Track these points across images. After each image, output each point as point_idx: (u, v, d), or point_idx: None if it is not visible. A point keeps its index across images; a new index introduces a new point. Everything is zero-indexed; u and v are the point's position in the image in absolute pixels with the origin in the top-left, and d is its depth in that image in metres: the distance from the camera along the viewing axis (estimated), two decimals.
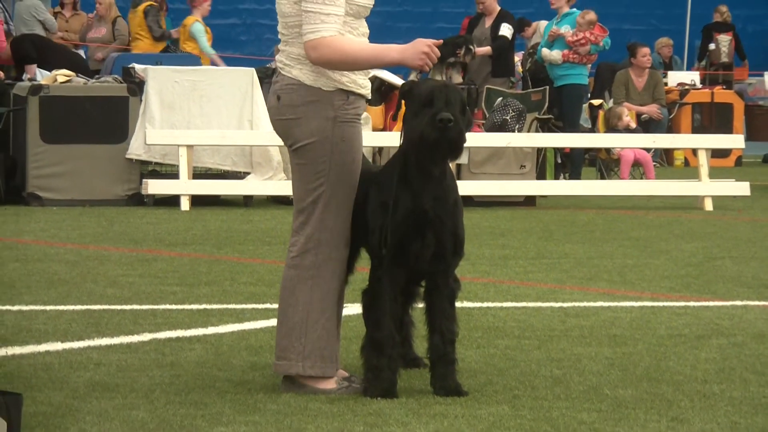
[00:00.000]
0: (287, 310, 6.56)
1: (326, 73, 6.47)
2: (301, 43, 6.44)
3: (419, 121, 6.36)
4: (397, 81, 17.09)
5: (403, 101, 6.60)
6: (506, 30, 18.75)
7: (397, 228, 6.43)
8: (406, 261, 6.49)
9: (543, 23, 21.21)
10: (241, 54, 28.90)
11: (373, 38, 6.61)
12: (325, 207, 6.50)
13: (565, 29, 18.69)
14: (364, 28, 6.57)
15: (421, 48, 6.43)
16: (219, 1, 32.02)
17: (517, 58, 21.87)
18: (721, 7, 28.38)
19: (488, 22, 18.95)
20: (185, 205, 15.22)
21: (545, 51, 18.73)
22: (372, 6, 6.57)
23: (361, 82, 6.57)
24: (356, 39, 6.47)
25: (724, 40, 28.19)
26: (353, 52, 6.41)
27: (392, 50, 6.51)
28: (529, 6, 28.24)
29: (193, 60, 22.44)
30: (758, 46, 32.30)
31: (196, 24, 22.23)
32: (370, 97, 6.84)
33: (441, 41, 6.61)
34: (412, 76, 16.25)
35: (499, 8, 19.00)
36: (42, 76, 17.33)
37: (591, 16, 18.91)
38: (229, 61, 24.54)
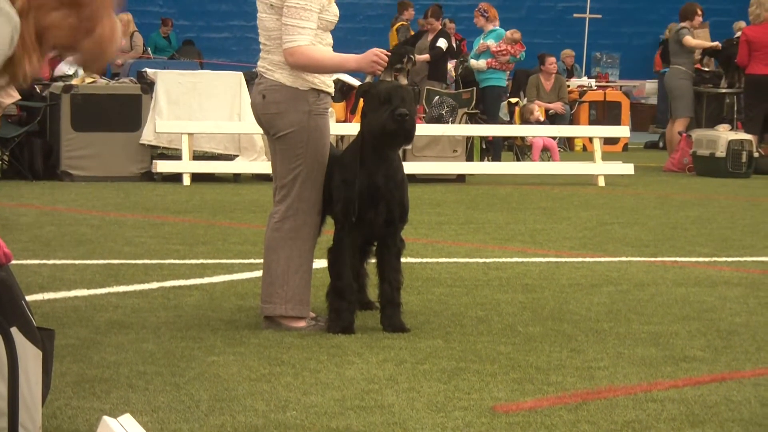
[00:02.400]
0: (271, 265, 6.55)
1: (301, 75, 6.48)
2: (281, 52, 6.44)
3: (380, 115, 6.35)
4: (355, 82, 17.07)
5: (361, 99, 6.59)
6: (442, 42, 19.03)
7: (356, 200, 6.43)
8: (363, 226, 6.49)
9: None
10: (232, 61, 28.76)
11: (337, 47, 6.61)
12: (302, 183, 6.50)
13: (491, 42, 18.71)
14: (329, 39, 6.58)
15: (372, 57, 6.47)
16: (214, 19, 31.91)
17: (451, 65, 21.86)
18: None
19: (429, 36, 19.18)
20: (186, 181, 15.14)
21: (473, 61, 18.78)
22: (336, 21, 6.60)
23: (328, 82, 6.61)
24: (324, 48, 6.48)
25: None
26: (322, 59, 6.42)
27: (351, 59, 6.59)
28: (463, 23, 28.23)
29: (193, 65, 22.37)
30: (641, 57, 32.35)
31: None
32: (334, 95, 6.85)
33: (389, 52, 6.64)
34: (368, 79, 16.23)
35: (439, 27, 19.39)
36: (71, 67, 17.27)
37: (517, 35, 18.95)
38: (222, 67, 24.42)
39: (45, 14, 3.30)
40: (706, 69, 19.60)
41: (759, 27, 18.12)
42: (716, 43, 19.39)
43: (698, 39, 19.43)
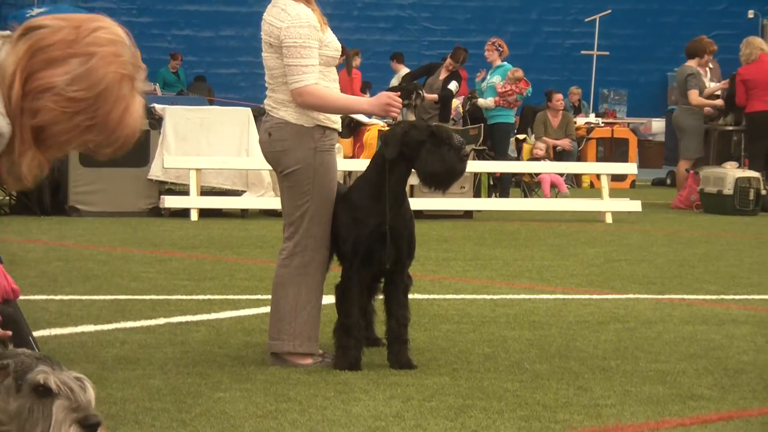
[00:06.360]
0: (279, 302, 6.55)
1: (306, 112, 6.48)
2: (284, 90, 6.45)
3: (444, 156, 6.33)
4: (364, 119, 17.13)
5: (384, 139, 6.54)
6: (453, 86, 19.09)
7: (366, 238, 6.44)
8: (372, 263, 6.50)
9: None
10: (240, 96, 28.86)
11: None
12: (310, 219, 6.50)
13: (497, 79, 18.77)
14: (334, 74, 6.57)
15: (384, 100, 6.46)
16: (223, 55, 32.03)
17: (458, 101, 21.91)
18: None
19: (443, 74, 19.13)
20: (194, 216, 15.17)
21: (481, 100, 18.87)
22: (339, 56, 6.60)
23: (333, 118, 6.59)
24: (333, 89, 6.47)
25: None
26: (331, 99, 6.42)
27: (363, 102, 6.57)
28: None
29: (201, 101, 22.44)
30: (648, 94, 32.42)
31: None
32: (341, 130, 6.85)
33: (398, 93, 6.63)
34: (374, 118, 16.26)
35: (456, 69, 19.43)
36: None
37: (519, 74, 19.02)
38: (230, 103, 24.50)
39: (34, 116, 3.01)
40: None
41: (752, 66, 18.16)
42: (719, 101, 19.18)
43: (711, 73, 19.45)
